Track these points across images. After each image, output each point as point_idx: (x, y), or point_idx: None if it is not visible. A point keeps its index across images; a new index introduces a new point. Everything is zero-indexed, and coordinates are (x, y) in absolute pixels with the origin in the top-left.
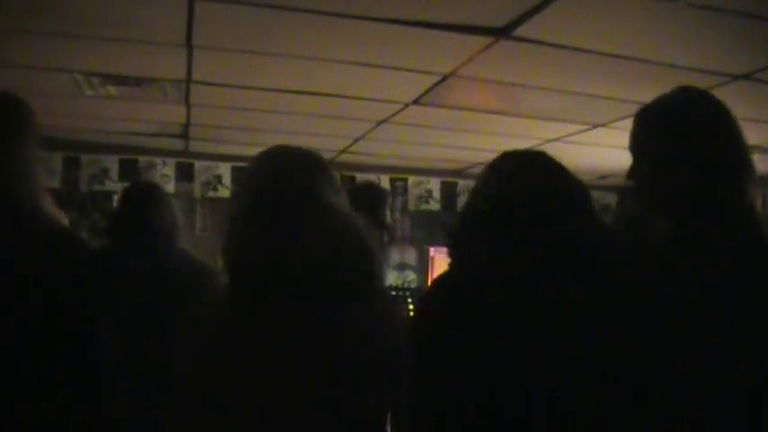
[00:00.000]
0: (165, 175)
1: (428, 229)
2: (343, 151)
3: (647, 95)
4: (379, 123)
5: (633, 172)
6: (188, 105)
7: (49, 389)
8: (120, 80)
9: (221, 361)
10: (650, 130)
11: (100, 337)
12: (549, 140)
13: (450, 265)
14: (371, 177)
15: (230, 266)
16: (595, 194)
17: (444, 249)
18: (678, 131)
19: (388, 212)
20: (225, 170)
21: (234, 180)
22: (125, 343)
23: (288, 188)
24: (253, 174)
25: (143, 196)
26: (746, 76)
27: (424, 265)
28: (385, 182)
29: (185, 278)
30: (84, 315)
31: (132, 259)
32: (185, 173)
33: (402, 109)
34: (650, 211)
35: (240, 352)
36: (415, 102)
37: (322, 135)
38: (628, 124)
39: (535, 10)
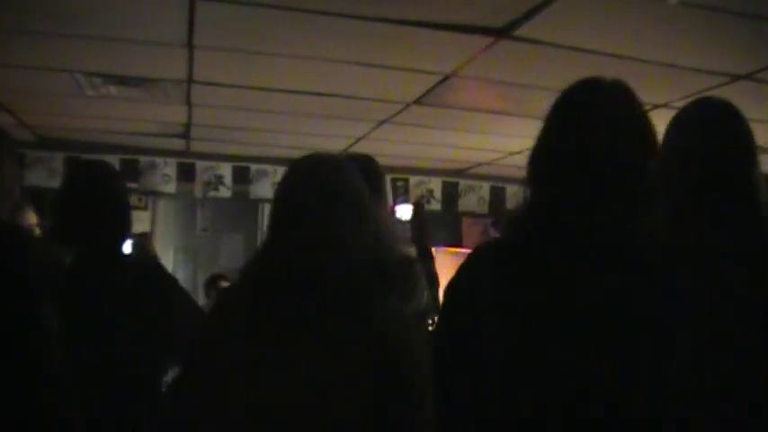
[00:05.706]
0: (166, 175)
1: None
2: (345, 151)
3: (647, 95)
4: (381, 123)
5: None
6: (189, 105)
7: None
8: (122, 80)
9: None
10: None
11: (41, 347)
12: None
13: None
14: None
15: (255, 270)
16: None
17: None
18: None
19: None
20: (226, 170)
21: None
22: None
23: (328, 200)
24: (291, 184)
25: (85, 185)
26: (746, 77)
27: None
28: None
29: (131, 282)
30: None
31: (71, 260)
32: (186, 173)
33: (403, 109)
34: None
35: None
36: (417, 102)
37: (323, 135)
38: None
39: (535, 10)
